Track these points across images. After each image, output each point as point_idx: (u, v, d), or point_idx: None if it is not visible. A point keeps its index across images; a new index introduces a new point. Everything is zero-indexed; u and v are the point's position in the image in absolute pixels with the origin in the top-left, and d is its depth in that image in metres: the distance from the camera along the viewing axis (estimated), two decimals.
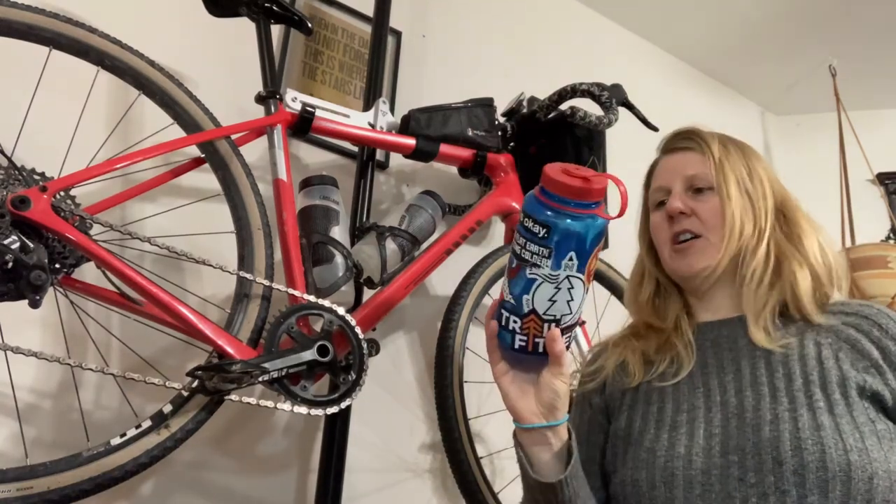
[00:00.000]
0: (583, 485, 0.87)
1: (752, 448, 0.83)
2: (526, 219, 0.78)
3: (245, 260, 1.18)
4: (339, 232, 1.34)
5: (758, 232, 0.96)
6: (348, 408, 1.33)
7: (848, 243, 2.32)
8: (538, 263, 0.78)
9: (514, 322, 0.81)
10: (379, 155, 1.66)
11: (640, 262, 1.09)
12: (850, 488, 0.77)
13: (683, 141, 1.05)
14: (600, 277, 1.67)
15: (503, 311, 0.82)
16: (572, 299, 0.79)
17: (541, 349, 0.81)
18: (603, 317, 1.66)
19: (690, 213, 0.98)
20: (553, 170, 0.78)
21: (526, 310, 0.80)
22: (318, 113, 1.37)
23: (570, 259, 0.78)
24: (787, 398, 0.85)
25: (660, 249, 1.03)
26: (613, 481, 0.95)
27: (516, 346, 0.82)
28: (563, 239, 0.77)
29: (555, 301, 0.79)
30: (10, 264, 0.92)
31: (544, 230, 0.76)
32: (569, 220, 0.76)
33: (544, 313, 0.79)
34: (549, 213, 0.77)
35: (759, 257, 0.95)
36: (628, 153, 2.23)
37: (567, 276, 0.78)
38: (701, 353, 0.96)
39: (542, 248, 0.77)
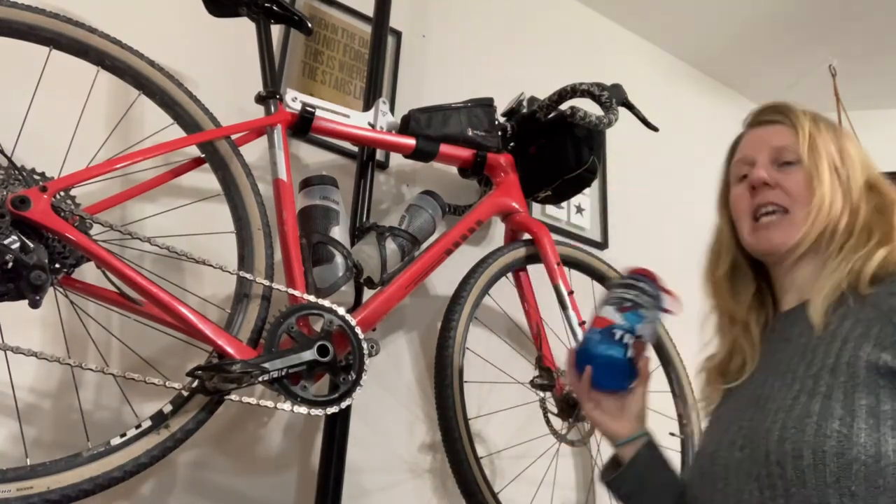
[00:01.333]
0: (657, 468, 1.00)
1: (760, 440, 0.82)
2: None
3: (245, 260, 1.18)
4: (339, 232, 1.34)
5: (848, 208, 0.93)
6: (348, 408, 1.33)
7: None
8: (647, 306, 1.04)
9: (628, 338, 1.00)
10: (379, 155, 1.66)
11: (717, 238, 1.06)
12: (826, 475, 0.75)
13: (773, 114, 1.02)
14: (602, 278, 1.67)
15: (616, 330, 1.00)
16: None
17: (634, 367, 1.02)
18: None
19: (775, 185, 0.95)
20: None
21: (637, 333, 1.01)
22: (318, 113, 1.37)
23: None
24: (799, 385, 0.83)
25: (739, 223, 1.00)
26: None
27: (629, 355, 1.00)
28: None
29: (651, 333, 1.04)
30: (10, 264, 0.92)
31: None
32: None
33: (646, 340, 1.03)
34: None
35: (841, 231, 0.92)
36: (628, 153, 2.23)
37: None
38: (765, 349, 0.96)
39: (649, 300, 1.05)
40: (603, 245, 2.08)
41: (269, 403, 1.07)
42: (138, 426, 1.00)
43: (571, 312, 1.48)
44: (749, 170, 0.99)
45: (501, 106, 1.67)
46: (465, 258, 1.51)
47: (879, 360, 0.79)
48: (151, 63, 1.20)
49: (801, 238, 0.92)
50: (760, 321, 1.00)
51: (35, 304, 0.95)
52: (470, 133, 1.56)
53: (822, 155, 0.95)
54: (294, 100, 1.36)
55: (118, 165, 1.08)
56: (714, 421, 0.99)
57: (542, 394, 1.51)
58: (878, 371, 0.78)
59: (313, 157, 1.63)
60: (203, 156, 1.24)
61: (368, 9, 1.77)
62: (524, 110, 1.68)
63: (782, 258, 0.96)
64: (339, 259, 1.31)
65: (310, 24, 1.41)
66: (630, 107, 1.64)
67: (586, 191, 1.80)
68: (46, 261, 0.96)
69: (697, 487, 0.91)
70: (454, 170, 1.64)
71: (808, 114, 1.00)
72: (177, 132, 1.21)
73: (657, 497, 0.98)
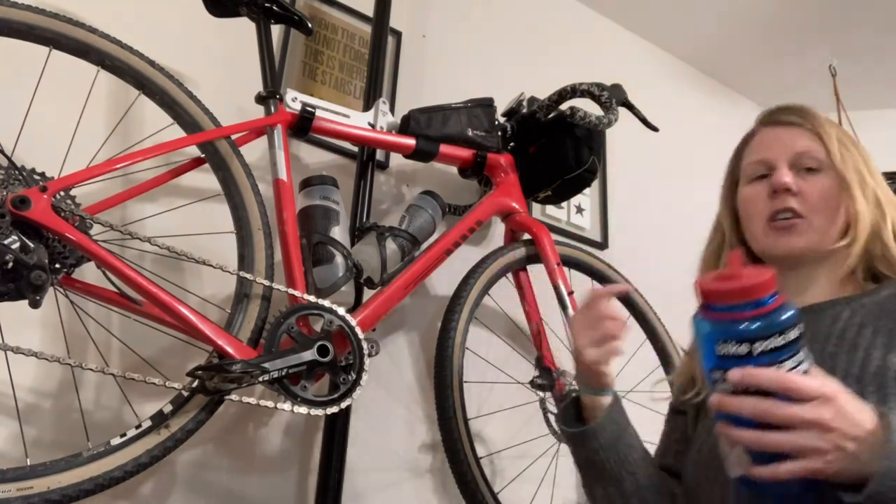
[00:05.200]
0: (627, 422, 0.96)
1: None
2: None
3: (245, 260, 1.18)
4: (339, 232, 1.34)
5: (879, 219, 0.93)
6: (348, 408, 1.33)
7: None
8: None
9: None
10: (379, 155, 1.66)
11: (718, 233, 1.04)
12: None
13: (792, 116, 0.99)
14: (602, 278, 1.67)
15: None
16: None
17: None
18: None
19: (797, 191, 0.93)
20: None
21: None
22: (318, 113, 1.37)
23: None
24: None
25: (750, 224, 0.98)
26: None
27: None
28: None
29: None
30: (11, 264, 0.92)
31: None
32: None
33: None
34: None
35: (864, 243, 0.92)
36: (628, 153, 2.23)
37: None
38: None
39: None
40: (603, 245, 2.08)
41: (269, 403, 1.07)
42: (138, 426, 1.00)
43: (571, 313, 1.48)
44: (767, 171, 0.97)
45: (501, 106, 1.67)
46: (465, 258, 1.51)
47: None
48: (151, 63, 1.20)
49: (820, 246, 0.92)
50: None
51: (35, 304, 0.95)
52: (470, 133, 1.56)
53: (850, 167, 0.94)
54: (294, 100, 1.36)
55: (118, 165, 1.08)
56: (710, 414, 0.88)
57: (541, 394, 1.51)
58: None
59: (313, 157, 1.63)
60: (203, 156, 1.24)
61: (368, 9, 1.77)
62: (524, 110, 1.68)
63: (793, 264, 0.94)
64: (339, 259, 1.31)
65: (310, 24, 1.41)
66: (630, 107, 1.64)
67: (586, 191, 1.80)
68: (46, 261, 0.96)
69: (704, 487, 0.87)
70: (454, 170, 1.64)
71: (831, 122, 0.98)
72: (177, 132, 1.21)
73: (630, 449, 0.95)
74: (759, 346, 0.67)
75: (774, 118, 1.01)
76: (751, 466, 0.69)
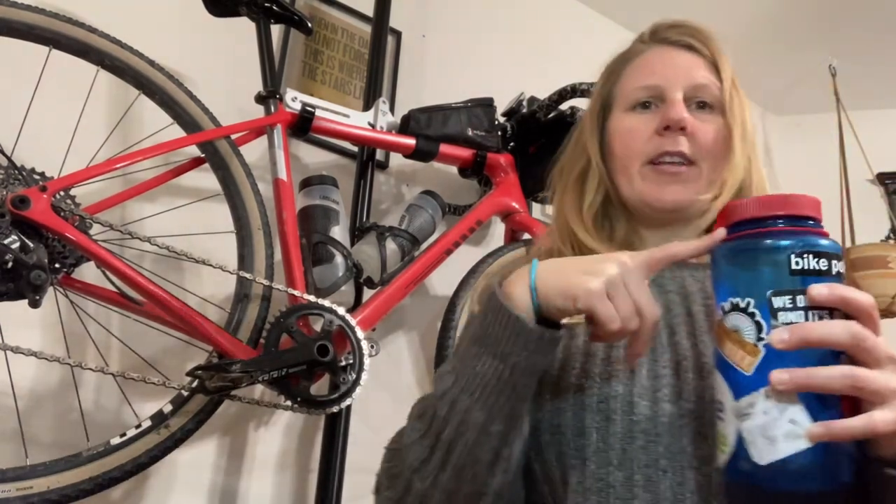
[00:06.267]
0: None
1: (711, 396, 0.63)
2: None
3: (245, 260, 1.18)
4: (339, 232, 1.34)
5: (746, 178, 0.80)
6: (348, 408, 1.33)
7: (848, 243, 2.32)
8: None
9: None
10: (379, 155, 1.66)
11: (584, 157, 0.86)
12: None
13: (688, 37, 0.85)
14: None
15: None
16: None
17: None
18: None
19: (690, 132, 0.78)
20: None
21: None
22: (318, 113, 1.37)
23: None
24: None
25: (626, 162, 0.80)
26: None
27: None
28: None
29: None
30: (10, 264, 0.92)
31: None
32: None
33: None
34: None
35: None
36: None
37: None
38: None
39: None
40: None
41: (269, 403, 1.07)
42: (138, 426, 1.01)
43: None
44: (653, 99, 0.81)
45: (501, 106, 1.67)
46: (465, 258, 1.51)
47: None
48: (151, 63, 1.20)
49: (707, 198, 0.78)
50: None
51: (35, 304, 0.95)
52: (470, 133, 1.56)
53: (738, 112, 0.81)
54: (294, 100, 1.36)
55: (118, 165, 1.08)
56: (580, 351, 0.72)
57: None
58: None
59: (313, 157, 1.63)
60: (203, 155, 1.24)
61: (368, 9, 1.77)
62: (524, 110, 1.68)
63: (672, 217, 0.80)
64: (339, 259, 1.31)
65: (310, 24, 1.41)
66: None
67: None
68: (46, 260, 0.96)
69: (593, 438, 0.68)
70: (454, 170, 1.64)
71: (726, 52, 0.84)
72: (177, 132, 1.21)
73: None
74: (836, 266, 0.58)
75: (667, 36, 0.87)
76: (817, 427, 0.52)
